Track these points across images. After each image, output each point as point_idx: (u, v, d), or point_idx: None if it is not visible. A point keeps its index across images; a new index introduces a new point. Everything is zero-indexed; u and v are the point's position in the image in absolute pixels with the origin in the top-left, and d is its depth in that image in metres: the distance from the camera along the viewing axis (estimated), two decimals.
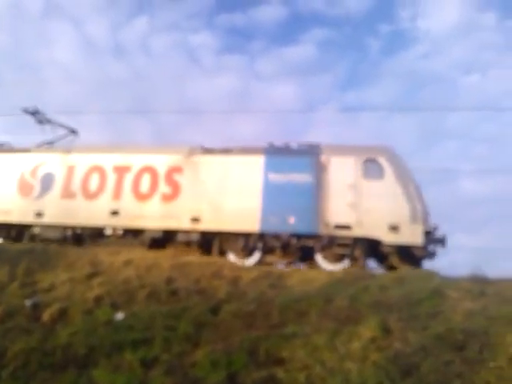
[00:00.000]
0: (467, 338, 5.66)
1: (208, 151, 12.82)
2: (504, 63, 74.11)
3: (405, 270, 9.55)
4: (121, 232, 12.61)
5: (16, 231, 13.45)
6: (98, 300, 7.71)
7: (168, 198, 12.32)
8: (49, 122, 16.75)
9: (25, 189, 13.52)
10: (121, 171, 12.95)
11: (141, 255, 10.36)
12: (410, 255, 10.67)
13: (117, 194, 12.71)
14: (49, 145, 15.93)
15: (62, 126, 16.98)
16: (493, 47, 75.73)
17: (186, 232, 11.97)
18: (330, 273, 9.39)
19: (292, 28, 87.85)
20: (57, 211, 13.00)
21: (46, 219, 12.99)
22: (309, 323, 6.55)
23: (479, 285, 7.81)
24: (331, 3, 79.17)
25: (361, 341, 5.78)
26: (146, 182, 12.63)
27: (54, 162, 13.74)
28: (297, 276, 9.37)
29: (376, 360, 5.31)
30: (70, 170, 13.40)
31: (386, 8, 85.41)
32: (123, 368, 5.71)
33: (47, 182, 13.42)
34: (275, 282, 8.77)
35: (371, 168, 11.56)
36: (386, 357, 5.37)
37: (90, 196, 12.89)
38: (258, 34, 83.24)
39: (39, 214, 13.04)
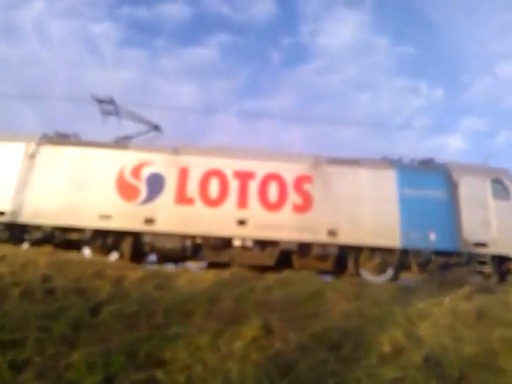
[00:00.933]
0: (342, 338, 5.95)
1: (334, 161, 12.43)
2: (393, 85, 79.64)
3: (288, 272, 9.84)
4: (250, 243, 11.80)
5: (114, 239, 12.03)
6: None
7: (300, 209, 11.86)
8: (130, 114, 14.94)
9: (127, 191, 12.04)
10: (243, 178, 12.15)
11: (15, 251, 9.66)
12: None
13: (242, 201, 11.91)
14: (127, 140, 14.09)
15: (142, 120, 15.19)
16: (383, 69, 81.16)
17: (323, 245, 11.56)
18: (218, 274, 9.41)
19: (196, 29, 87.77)
20: (171, 218, 11.81)
21: (159, 227, 11.75)
22: (193, 324, 6.50)
23: (356, 288, 8.26)
24: (237, 9, 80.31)
25: (243, 340, 5.84)
26: (273, 191, 12.00)
27: (161, 163, 12.35)
28: (185, 277, 9.28)
29: (257, 359, 5.39)
30: (183, 173, 12.23)
31: (289, 21, 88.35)
32: None
33: (155, 185, 12.10)
34: (162, 282, 8.60)
35: (497, 188, 12.13)
36: (266, 356, 5.47)
37: (212, 203, 11.92)
38: (162, 31, 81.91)
39: (149, 221, 11.79)
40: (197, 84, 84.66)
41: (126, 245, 12.03)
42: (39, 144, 12.50)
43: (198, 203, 11.89)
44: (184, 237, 11.84)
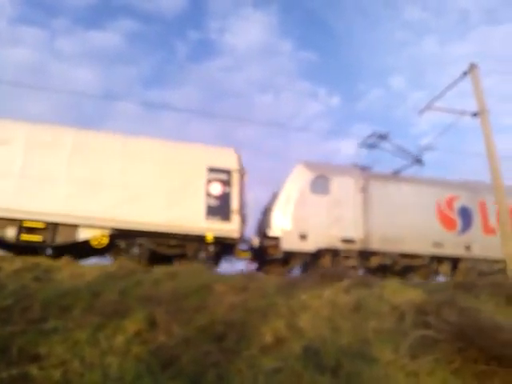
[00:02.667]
0: (227, 330, 6.00)
1: None
2: (294, 88, 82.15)
3: (178, 265, 9.75)
4: None
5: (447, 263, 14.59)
6: None
7: None
8: (398, 148, 16.99)
9: (447, 221, 14.84)
10: None
11: None
12: None
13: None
14: (395, 174, 16.48)
15: (407, 154, 17.00)
16: (286, 72, 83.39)
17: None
18: (103, 267, 9.09)
19: (100, 13, 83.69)
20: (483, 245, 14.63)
21: (475, 252, 14.54)
22: (72, 318, 6.21)
23: (244, 280, 8.36)
24: None
25: (125, 334, 5.69)
26: None
27: (466, 197, 15.35)
28: (67, 270, 8.87)
29: (138, 353, 5.29)
30: (482, 206, 15.19)
31: (198, 15, 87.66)
32: None
33: (466, 217, 15.06)
34: (41, 275, 8.16)
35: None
36: (148, 350, 5.38)
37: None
38: (63, 12, 76.94)
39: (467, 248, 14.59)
40: (97, 69, 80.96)
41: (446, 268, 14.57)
42: (366, 179, 14.91)
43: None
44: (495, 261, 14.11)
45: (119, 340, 5.58)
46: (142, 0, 78.40)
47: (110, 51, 79.24)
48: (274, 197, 14.74)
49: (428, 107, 14.82)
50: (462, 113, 13.87)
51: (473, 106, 13.44)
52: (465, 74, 13.70)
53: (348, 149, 73.00)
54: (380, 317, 6.71)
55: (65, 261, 9.97)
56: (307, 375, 5.00)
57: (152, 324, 6.03)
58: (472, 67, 13.52)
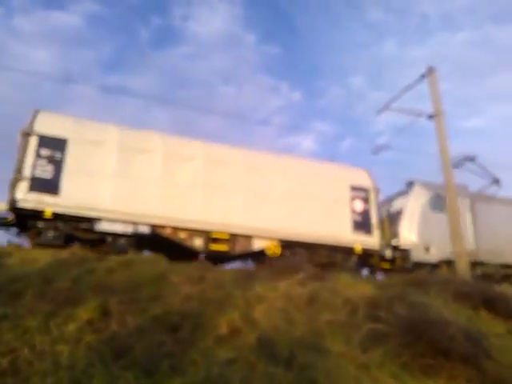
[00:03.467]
0: (182, 320, 5.98)
1: None
2: (256, 82, 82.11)
3: (132, 254, 9.60)
4: None
5: None
6: None
7: None
8: (483, 170, 18.10)
9: None
10: None
11: None
12: None
13: None
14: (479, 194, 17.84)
15: (487, 173, 18.15)
16: (249, 65, 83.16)
17: None
18: (55, 254, 8.87)
19: None
20: None
21: None
22: (23, 305, 6.04)
23: (200, 271, 8.33)
24: None
25: (77, 323, 5.60)
26: None
27: None
28: (18, 255, 8.63)
29: (90, 342, 5.21)
30: None
31: (162, 0, 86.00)
32: None
33: None
34: None
35: None
36: (101, 339, 5.31)
37: None
38: None
39: None
40: (56, 50, 78.14)
41: None
42: (473, 199, 16.84)
43: None
44: None
45: (71, 328, 5.49)
46: None
47: (70, 33, 76.70)
48: (384, 209, 16.48)
49: (386, 107, 15.14)
50: (419, 114, 14.22)
51: (429, 108, 13.80)
52: (423, 76, 14.03)
53: (307, 144, 73.47)
54: (333, 310, 6.82)
55: (14, 246, 9.70)
56: (261, 366, 5.05)
57: (105, 313, 5.96)
58: (430, 70, 13.86)
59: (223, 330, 5.87)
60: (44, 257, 8.53)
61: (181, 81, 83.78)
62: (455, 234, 12.47)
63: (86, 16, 76.00)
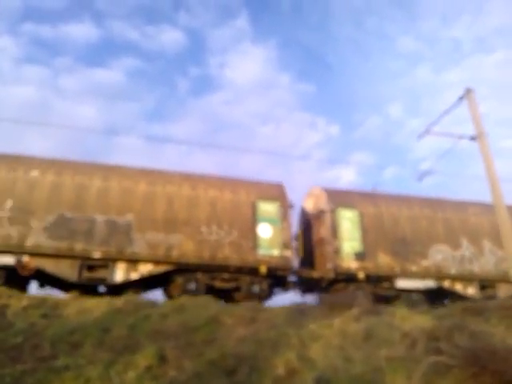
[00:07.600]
0: (238, 363, 5.95)
1: None
2: (293, 119, 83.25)
3: (185, 298, 9.68)
4: None
5: None
6: None
7: None
8: None
9: None
10: None
11: None
12: None
13: None
14: None
15: None
16: (285, 104, 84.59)
17: None
18: (110, 302, 9.04)
19: (103, 51, 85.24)
20: None
21: None
22: (82, 355, 6.18)
23: (252, 312, 8.31)
24: (146, 36, 78.96)
25: (136, 370, 5.66)
26: None
27: None
28: (74, 306, 8.82)
29: None
30: None
31: (197, 52, 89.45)
32: None
33: None
34: (49, 311, 8.11)
35: None
36: None
37: None
38: (66, 51, 78.04)
39: None
40: (100, 106, 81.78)
41: None
42: None
43: None
44: None
45: (131, 376, 5.55)
46: (143, 38, 79.75)
47: (113, 88, 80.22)
48: None
49: (427, 132, 14.93)
50: (460, 136, 13.97)
51: (469, 131, 13.58)
52: (461, 98, 13.85)
53: (348, 176, 73.12)
54: (391, 344, 6.64)
55: (71, 296, 9.94)
56: None
57: (162, 359, 5.99)
58: (468, 91, 13.68)
59: (280, 371, 5.81)
60: (100, 305, 8.68)
61: (221, 124, 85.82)
62: (510, 255, 11.97)
63: (127, 71, 79.61)
